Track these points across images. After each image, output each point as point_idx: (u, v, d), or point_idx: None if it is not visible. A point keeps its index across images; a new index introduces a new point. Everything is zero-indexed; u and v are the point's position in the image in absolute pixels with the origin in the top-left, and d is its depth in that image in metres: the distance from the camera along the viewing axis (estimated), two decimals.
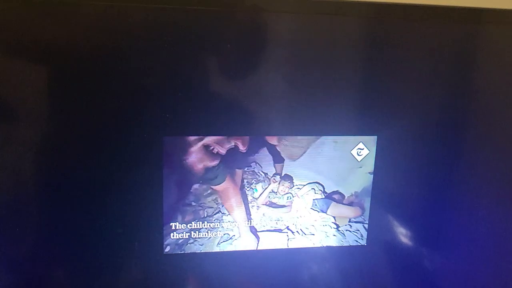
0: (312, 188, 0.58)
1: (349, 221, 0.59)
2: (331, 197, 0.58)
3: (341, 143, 0.57)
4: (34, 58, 0.49)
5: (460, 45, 0.57)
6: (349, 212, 0.59)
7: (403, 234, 0.62)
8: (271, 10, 0.52)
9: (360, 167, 0.58)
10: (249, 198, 0.56)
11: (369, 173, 0.58)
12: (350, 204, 0.58)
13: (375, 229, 0.60)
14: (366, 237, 0.60)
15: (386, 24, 0.55)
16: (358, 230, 0.60)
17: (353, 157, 0.58)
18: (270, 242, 0.58)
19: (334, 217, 0.59)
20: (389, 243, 0.62)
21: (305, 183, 0.58)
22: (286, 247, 0.59)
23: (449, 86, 0.58)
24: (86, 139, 0.51)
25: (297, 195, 0.58)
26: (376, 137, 0.57)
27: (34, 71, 0.49)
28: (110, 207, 0.53)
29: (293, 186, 0.57)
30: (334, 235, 0.60)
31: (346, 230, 0.60)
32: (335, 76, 0.55)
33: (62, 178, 0.52)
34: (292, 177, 0.57)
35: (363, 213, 0.59)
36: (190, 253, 0.57)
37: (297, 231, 0.59)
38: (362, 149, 0.58)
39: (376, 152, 0.58)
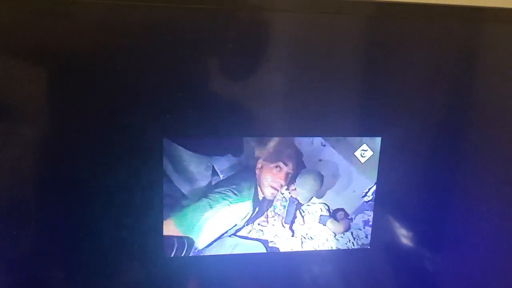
0: (320, 208, 0.58)
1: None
2: (334, 216, 0.58)
3: (345, 145, 0.56)
4: (33, 58, 0.48)
5: (465, 44, 0.56)
6: (338, 228, 0.59)
7: (407, 237, 0.61)
8: (273, 9, 0.51)
9: (364, 169, 0.57)
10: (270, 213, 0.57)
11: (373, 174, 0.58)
12: (342, 220, 0.59)
13: (379, 232, 0.60)
14: (369, 239, 0.60)
15: (389, 23, 0.54)
16: (348, 237, 0.59)
17: (356, 159, 0.57)
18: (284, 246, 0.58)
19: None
20: (393, 246, 0.61)
21: (315, 202, 0.58)
22: (289, 250, 0.58)
23: (454, 86, 0.58)
24: (85, 140, 0.51)
25: (308, 212, 0.58)
26: (380, 138, 0.57)
27: (32, 71, 0.48)
28: (110, 209, 0.52)
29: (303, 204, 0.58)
30: (332, 240, 0.59)
31: (340, 237, 0.59)
32: (338, 76, 0.54)
33: (60, 180, 0.51)
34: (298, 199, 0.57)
35: (348, 229, 0.59)
36: (191, 256, 0.56)
37: (307, 238, 0.59)
38: (366, 150, 0.57)
39: (380, 154, 0.57)
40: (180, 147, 0.52)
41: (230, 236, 0.56)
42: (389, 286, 0.63)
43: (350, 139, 0.56)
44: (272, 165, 0.55)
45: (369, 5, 0.53)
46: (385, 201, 0.59)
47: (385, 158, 0.57)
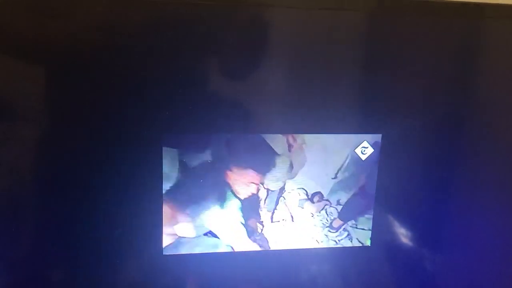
0: (298, 193, 0.57)
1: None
2: (311, 199, 0.58)
3: (345, 142, 0.56)
4: (31, 57, 0.48)
5: (466, 41, 0.56)
6: (313, 209, 0.58)
7: (408, 236, 0.61)
8: (273, 5, 0.51)
9: (364, 166, 0.57)
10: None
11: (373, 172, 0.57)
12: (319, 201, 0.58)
13: (380, 230, 0.59)
14: (370, 238, 0.59)
15: (391, 20, 0.54)
16: (323, 214, 0.58)
17: (357, 156, 0.57)
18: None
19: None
20: (394, 244, 0.61)
21: (294, 188, 0.57)
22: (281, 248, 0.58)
23: (456, 83, 0.58)
24: (84, 137, 0.50)
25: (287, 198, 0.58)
26: (381, 135, 0.56)
27: (31, 70, 0.48)
28: (108, 207, 0.52)
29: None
30: (310, 219, 0.58)
31: (316, 215, 0.58)
32: (338, 73, 0.54)
33: (59, 178, 0.51)
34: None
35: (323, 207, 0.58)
36: (189, 254, 0.56)
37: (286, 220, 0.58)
38: (367, 147, 0.57)
39: (380, 151, 0.57)
40: (179, 144, 0.52)
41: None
42: (388, 285, 0.63)
43: (350, 136, 0.56)
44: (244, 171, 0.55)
45: (370, 1, 0.53)
46: (385, 199, 0.58)
47: (385, 155, 0.57)
